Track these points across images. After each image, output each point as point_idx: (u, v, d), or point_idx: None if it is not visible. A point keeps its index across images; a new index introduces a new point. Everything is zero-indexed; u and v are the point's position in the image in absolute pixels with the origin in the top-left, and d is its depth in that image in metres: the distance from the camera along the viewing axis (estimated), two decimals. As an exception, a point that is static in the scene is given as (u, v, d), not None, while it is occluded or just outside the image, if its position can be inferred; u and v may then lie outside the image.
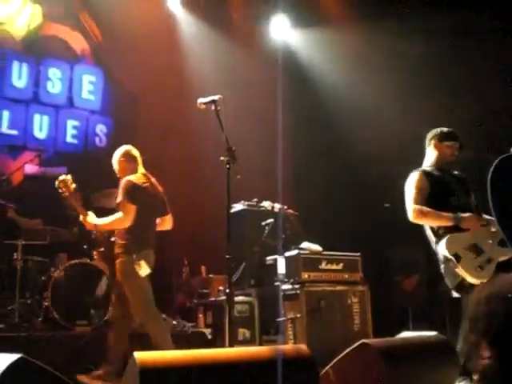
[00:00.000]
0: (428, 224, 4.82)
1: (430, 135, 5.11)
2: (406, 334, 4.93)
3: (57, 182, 5.15)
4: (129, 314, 5.05)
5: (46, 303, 6.36)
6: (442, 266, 4.69)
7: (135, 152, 5.47)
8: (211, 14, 9.94)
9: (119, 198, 5.06)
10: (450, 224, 4.64)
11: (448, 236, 4.61)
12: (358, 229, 9.29)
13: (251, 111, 9.28)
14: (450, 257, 4.48)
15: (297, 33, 10.34)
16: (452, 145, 5.01)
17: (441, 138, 5.02)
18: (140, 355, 2.35)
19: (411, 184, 4.87)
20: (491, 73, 8.25)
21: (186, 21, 9.90)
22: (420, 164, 5.15)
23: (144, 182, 5.22)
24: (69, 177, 5.21)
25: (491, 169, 2.26)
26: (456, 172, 5.11)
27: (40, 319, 6.42)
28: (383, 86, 9.06)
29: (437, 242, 4.75)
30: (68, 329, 6.20)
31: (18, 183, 8.43)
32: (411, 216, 4.79)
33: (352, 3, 9.42)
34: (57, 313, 6.19)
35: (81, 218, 5.22)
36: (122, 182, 5.16)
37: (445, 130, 5.06)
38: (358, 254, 6.61)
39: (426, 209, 4.72)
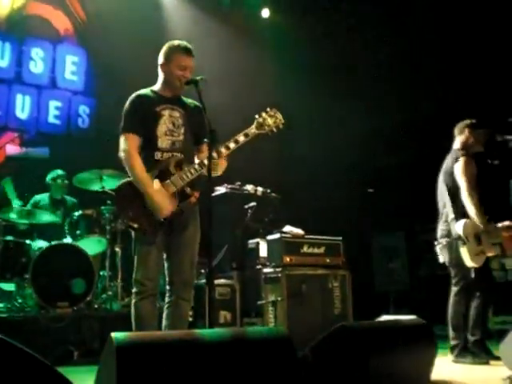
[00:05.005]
0: (467, 207, 5.47)
1: (461, 125, 5.85)
2: (385, 318, 4.97)
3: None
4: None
5: (27, 285, 6.34)
6: (446, 240, 5.57)
7: None
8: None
9: None
10: (477, 222, 5.43)
11: (466, 220, 5.41)
12: (341, 213, 9.34)
13: (238, 94, 9.24)
14: (463, 236, 5.32)
15: (286, 16, 10.31)
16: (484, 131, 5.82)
17: (474, 126, 5.81)
18: (117, 335, 2.35)
19: (466, 168, 5.54)
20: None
21: (171, 1, 9.83)
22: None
23: None
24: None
25: None
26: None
27: (20, 301, 6.39)
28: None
29: (456, 219, 5.48)
30: (48, 310, 6.17)
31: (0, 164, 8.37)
32: (466, 195, 5.46)
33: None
34: (37, 294, 6.16)
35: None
36: None
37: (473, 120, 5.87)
38: (340, 238, 6.63)
39: (476, 201, 5.45)
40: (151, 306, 4.04)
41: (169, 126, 4.15)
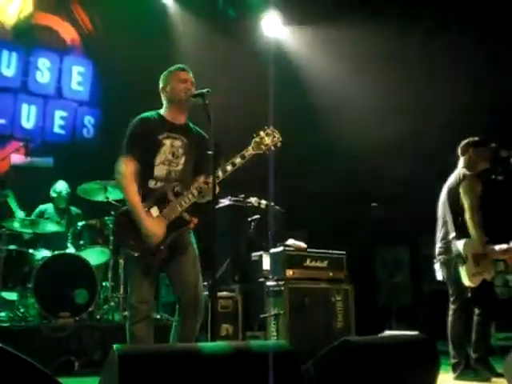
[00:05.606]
0: (469, 228, 5.42)
1: (464, 144, 5.78)
2: (388, 333, 4.95)
3: None
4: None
5: (29, 294, 6.33)
6: (443, 257, 5.57)
7: None
8: (203, 8, 9.91)
9: None
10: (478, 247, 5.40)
11: (467, 239, 5.39)
12: (344, 227, 9.32)
13: (241, 106, 9.26)
14: (463, 255, 5.32)
15: (288, 30, 10.34)
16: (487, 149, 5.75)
17: (477, 144, 5.73)
18: (119, 347, 2.34)
19: (471, 188, 5.51)
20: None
21: (177, 13, 9.87)
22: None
23: None
24: None
25: None
26: None
27: (22, 310, 6.38)
28: (373, 83, 9.08)
29: (457, 237, 5.45)
30: (50, 320, 6.16)
31: (4, 173, 8.38)
32: (469, 216, 5.41)
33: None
34: (39, 304, 6.15)
35: None
36: None
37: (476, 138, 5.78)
38: (343, 252, 6.61)
39: (478, 223, 5.40)
40: (146, 327, 3.98)
41: (167, 157, 4.10)
